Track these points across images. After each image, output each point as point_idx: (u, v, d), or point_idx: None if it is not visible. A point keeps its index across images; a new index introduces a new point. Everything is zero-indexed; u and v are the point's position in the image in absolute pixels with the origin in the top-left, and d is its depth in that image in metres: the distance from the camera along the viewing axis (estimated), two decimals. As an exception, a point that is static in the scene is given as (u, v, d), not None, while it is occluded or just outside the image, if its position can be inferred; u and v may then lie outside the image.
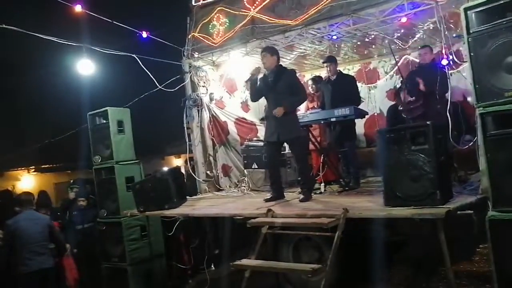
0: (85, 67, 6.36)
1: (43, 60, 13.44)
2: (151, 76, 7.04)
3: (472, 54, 3.69)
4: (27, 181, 15.28)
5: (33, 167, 15.49)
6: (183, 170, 8.49)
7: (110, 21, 6.26)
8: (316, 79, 7.36)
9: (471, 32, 3.71)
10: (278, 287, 5.50)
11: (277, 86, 5.55)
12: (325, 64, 6.55)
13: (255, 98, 5.95)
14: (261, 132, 8.46)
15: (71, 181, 7.97)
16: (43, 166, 15.62)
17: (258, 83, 5.74)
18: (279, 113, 5.43)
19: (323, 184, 6.18)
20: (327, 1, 6.02)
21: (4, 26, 5.18)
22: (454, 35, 5.77)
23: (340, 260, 4.31)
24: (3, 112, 14.39)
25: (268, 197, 5.68)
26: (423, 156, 4.07)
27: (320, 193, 6.00)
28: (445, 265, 4.01)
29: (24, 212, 5.61)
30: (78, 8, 5.92)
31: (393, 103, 7.48)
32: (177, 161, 17.41)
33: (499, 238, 3.50)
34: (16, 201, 6.08)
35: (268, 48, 5.77)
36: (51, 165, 15.67)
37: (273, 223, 4.71)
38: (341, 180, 6.22)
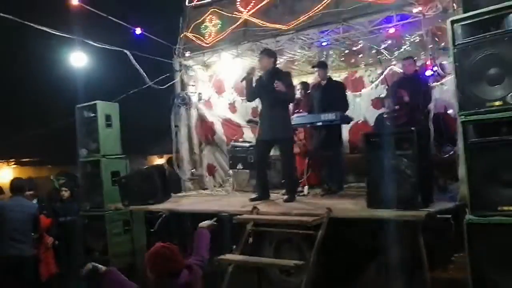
0: (78, 60, 6.36)
1: (28, 52, 13.25)
2: (142, 72, 7.03)
3: (456, 64, 3.85)
4: (5, 174, 14.96)
5: (13, 160, 15.21)
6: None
7: (105, 15, 6.28)
8: (305, 84, 7.48)
9: (457, 43, 3.86)
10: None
11: (271, 85, 5.58)
12: (315, 69, 6.67)
13: (251, 98, 6.01)
14: (247, 133, 8.54)
15: (51, 176, 7.88)
16: (23, 160, 15.34)
17: (254, 84, 5.79)
18: (280, 87, 5.45)
19: (306, 186, 6.29)
20: (319, 9, 6.17)
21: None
22: (439, 47, 5.98)
23: (320, 263, 4.40)
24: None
25: (254, 196, 5.76)
26: (406, 160, 4.23)
27: (304, 195, 6.10)
28: (422, 269, 4.14)
29: (13, 198, 5.57)
30: (74, 1, 5.93)
31: (380, 111, 7.63)
32: (160, 161, 17.30)
33: (475, 241, 3.65)
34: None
35: (267, 50, 5.90)
36: (31, 159, 15.39)
37: (258, 220, 4.79)
38: (324, 184, 6.33)
